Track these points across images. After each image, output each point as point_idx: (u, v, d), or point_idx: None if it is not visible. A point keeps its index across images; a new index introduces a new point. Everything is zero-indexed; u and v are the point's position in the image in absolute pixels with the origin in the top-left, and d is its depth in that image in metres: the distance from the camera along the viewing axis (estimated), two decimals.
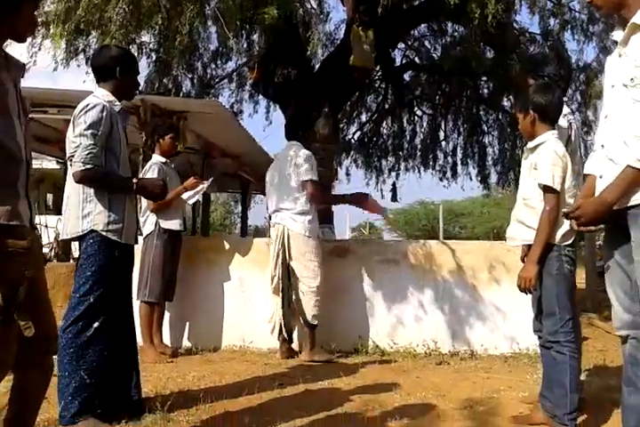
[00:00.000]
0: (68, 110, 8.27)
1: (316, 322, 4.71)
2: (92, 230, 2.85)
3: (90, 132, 2.80)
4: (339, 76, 7.02)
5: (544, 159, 2.87)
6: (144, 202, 4.92)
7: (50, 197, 16.16)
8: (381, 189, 12.70)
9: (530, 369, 4.42)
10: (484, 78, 11.10)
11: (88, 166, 2.78)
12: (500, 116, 11.84)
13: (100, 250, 2.85)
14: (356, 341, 5.09)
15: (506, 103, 11.53)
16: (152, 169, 4.93)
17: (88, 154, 2.78)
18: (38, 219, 14.24)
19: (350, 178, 12.90)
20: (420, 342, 5.07)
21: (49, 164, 14.38)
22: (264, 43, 5.70)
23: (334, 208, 8.01)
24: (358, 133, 12.46)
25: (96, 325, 2.80)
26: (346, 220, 57.49)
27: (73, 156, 2.81)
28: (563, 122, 3.24)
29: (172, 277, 4.98)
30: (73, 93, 7.46)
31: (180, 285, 5.07)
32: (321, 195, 4.90)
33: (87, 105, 2.86)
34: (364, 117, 12.33)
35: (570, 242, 2.88)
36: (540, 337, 3.02)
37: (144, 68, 8.83)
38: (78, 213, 2.88)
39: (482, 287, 5.17)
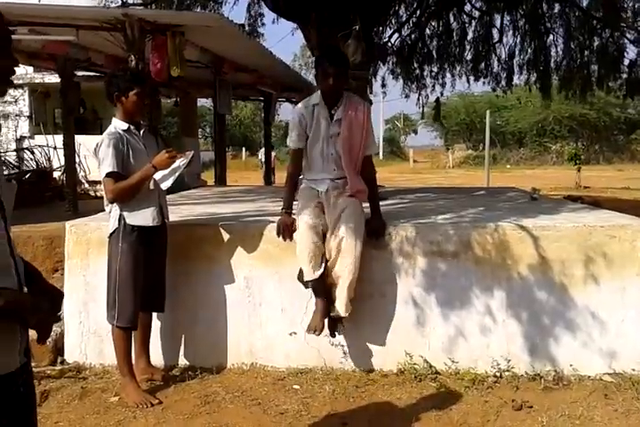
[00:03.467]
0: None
1: None
2: None
3: None
4: None
5: None
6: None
7: (58, 112, 14.91)
8: (422, 106, 10.95)
9: None
10: None
11: None
12: (567, 10, 9.78)
13: None
14: (401, 358, 3.87)
15: None
16: (106, 143, 3.41)
17: None
18: (45, 139, 13.12)
19: (387, 90, 11.10)
20: (487, 360, 3.83)
21: (51, 77, 13.14)
22: None
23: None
24: (396, 36, 10.50)
25: None
26: (379, 111, 55.24)
27: None
28: None
29: (156, 284, 3.71)
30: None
31: (172, 289, 3.85)
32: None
33: None
34: (403, 16, 10.31)
35: None
36: None
37: None
38: None
39: (574, 287, 3.81)
